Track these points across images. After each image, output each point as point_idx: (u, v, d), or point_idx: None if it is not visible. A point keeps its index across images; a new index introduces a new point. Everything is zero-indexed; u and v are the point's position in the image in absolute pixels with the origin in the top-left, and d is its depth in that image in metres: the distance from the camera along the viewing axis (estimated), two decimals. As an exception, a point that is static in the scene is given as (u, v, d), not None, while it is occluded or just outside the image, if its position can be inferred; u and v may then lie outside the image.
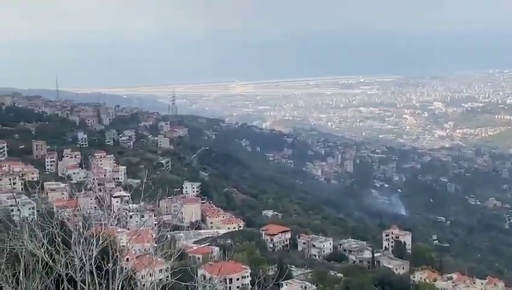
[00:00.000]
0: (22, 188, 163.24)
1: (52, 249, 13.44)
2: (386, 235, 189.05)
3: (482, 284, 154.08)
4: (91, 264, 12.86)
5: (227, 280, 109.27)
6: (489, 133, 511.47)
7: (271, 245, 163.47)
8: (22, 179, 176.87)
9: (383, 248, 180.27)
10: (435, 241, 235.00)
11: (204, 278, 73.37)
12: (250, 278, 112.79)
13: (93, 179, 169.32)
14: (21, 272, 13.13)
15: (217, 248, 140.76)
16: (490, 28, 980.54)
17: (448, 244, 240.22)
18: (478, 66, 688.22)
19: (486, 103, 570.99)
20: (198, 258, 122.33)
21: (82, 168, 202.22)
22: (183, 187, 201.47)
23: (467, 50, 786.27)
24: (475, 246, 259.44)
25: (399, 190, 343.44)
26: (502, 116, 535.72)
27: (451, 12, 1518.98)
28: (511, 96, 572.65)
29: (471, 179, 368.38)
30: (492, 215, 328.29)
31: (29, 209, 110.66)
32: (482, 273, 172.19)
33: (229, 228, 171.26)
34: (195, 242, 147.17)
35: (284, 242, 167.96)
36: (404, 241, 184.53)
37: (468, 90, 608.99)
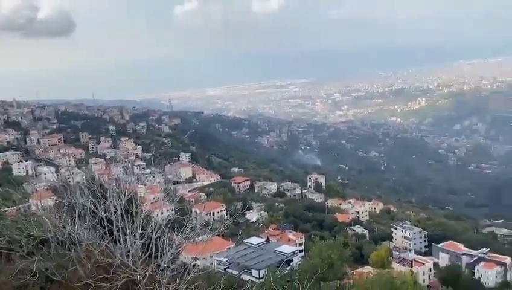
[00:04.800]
0: (74, 163, 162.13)
1: (96, 201, 13.34)
2: (309, 178, 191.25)
3: (369, 204, 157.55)
4: (121, 209, 12.80)
5: (211, 213, 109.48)
6: (369, 111, 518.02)
7: (238, 189, 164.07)
8: (74, 157, 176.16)
9: (308, 186, 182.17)
10: (339, 180, 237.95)
11: (196, 213, 73.33)
12: (225, 211, 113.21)
13: (121, 155, 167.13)
14: (76, 217, 13.03)
15: (203, 194, 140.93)
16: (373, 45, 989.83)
17: (347, 182, 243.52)
18: (361, 70, 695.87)
19: (366, 93, 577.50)
20: (192, 201, 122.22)
21: (113, 148, 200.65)
22: (179, 157, 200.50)
23: (354, 60, 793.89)
24: (364, 182, 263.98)
25: (316, 150, 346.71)
26: (376, 100, 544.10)
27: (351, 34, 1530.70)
28: (380, 88, 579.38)
29: (359, 140, 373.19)
30: (373, 162, 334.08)
31: (80, 176, 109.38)
32: (369, 198, 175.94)
33: (210, 181, 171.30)
34: (189, 191, 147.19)
35: (246, 187, 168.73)
36: (320, 181, 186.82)
37: (355, 85, 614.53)
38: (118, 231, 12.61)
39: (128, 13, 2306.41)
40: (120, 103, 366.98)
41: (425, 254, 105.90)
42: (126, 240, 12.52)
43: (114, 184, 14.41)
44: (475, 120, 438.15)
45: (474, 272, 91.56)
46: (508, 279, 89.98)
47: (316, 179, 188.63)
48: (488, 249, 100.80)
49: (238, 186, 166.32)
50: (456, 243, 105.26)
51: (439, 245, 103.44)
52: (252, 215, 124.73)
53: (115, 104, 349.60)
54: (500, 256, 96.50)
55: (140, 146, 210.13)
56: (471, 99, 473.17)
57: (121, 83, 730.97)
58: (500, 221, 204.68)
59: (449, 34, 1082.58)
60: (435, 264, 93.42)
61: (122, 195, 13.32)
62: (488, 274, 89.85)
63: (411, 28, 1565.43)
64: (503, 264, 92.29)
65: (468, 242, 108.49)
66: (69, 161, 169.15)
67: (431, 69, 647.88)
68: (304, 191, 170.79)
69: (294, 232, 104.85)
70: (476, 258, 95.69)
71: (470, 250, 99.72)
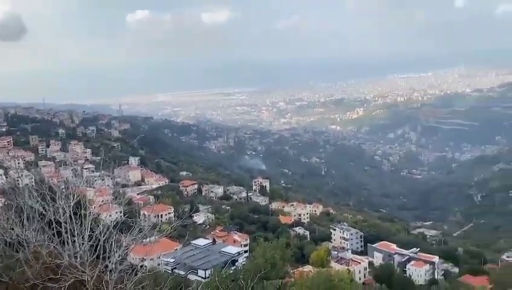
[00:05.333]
0: (24, 166, 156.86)
1: (44, 203, 12.99)
2: (255, 182, 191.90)
3: (310, 207, 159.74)
4: (70, 211, 12.53)
5: (159, 215, 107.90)
6: (311, 119, 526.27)
7: (185, 192, 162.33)
8: (24, 160, 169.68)
9: (253, 190, 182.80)
10: (282, 184, 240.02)
11: (144, 216, 72.13)
12: (173, 213, 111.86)
13: (70, 158, 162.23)
14: (24, 219, 12.65)
15: (152, 197, 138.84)
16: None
17: (290, 186, 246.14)
18: (304, 80, 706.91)
19: (309, 102, 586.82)
20: (140, 203, 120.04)
21: (62, 152, 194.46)
22: (128, 160, 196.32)
23: (298, 71, 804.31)
24: (305, 186, 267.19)
25: (261, 155, 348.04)
26: (318, 109, 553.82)
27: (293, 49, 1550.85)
28: (322, 98, 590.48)
29: (302, 147, 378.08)
30: (315, 167, 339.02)
31: (29, 179, 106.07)
32: (310, 201, 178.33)
33: (159, 184, 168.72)
34: (138, 194, 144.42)
35: (193, 190, 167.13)
36: (265, 185, 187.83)
37: (298, 94, 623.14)
38: (66, 232, 12.34)
39: (81, 20, 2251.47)
40: (70, 107, 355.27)
41: (361, 253, 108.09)
42: (74, 241, 12.26)
43: (63, 187, 14.04)
44: (407, 129, 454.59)
45: (405, 270, 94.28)
46: (436, 277, 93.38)
47: (260, 183, 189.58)
48: (418, 249, 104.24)
49: (186, 189, 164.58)
50: (389, 243, 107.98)
51: (374, 245, 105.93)
52: (199, 218, 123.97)
53: (65, 108, 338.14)
54: (429, 255, 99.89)
55: (89, 149, 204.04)
56: (404, 110, 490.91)
57: (71, 87, 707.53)
58: (429, 223, 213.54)
59: (385, 49, 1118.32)
60: (370, 263, 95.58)
61: (71, 197, 13.04)
62: (418, 272, 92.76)
63: (351, 42, 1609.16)
64: (432, 263, 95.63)
65: (400, 242, 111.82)
66: (18, 163, 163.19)
67: (368, 81, 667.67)
68: (249, 194, 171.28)
69: (240, 234, 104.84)
70: (407, 257, 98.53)
71: (402, 250, 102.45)
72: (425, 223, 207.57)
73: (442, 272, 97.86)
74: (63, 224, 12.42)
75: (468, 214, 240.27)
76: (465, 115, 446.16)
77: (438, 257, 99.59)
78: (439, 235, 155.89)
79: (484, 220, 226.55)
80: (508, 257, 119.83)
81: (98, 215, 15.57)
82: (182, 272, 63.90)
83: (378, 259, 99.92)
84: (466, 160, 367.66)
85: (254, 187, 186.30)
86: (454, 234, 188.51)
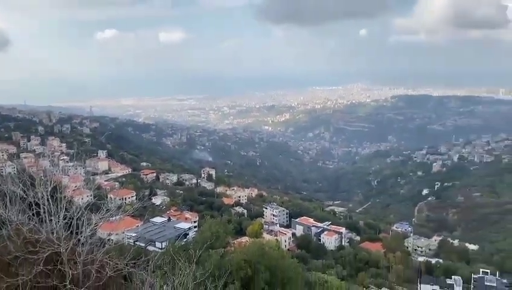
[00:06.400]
0: (7, 157, 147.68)
1: (25, 188, 12.41)
2: (203, 171, 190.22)
3: (247, 190, 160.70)
4: (47, 195, 12.05)
5: (123, 198, 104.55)
6: (249, 121, 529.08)
7: (146, 179, 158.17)
8: (7, 152, 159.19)
9: (202, 177, 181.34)
10: (226, 173, 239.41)
11: (111, 198, 69.77)
12: (135, 197, 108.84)
13: (48, 151, 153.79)
14: (7, 202, 12.05)
15: (117, 183, 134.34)
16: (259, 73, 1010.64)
17: (232, 174, 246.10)
18: (243, 90, 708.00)
19: (247, 107, 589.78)
20: (108, 188, 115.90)
21: (41, 145, 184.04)
22: (97, 153, 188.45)
23: (239, 82, 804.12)
24: (245, 174, 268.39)
25: (208, 150, 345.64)
26: (254, 113, 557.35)
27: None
28: (257, 104, 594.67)
29: (241, 143, 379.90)
30: (251, 159, 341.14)
31: (12, 168, 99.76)
32: (247, 186, 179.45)
33: (123, 173, 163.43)
34: (105, 181, 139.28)
35: (152, 178, 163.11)
36: (211, 173, 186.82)
37: (239, 101, 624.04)
38: (44, 212, 11.89)
39: (58, 35, 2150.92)
40: (48, 109, 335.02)
41: (286, 226, 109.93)
42: (51, 220, 11.84)
43: (42, 174, 13.45)
44: (323, 130, 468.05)
45: (320, 239, 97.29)
46: (343, 243, 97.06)
47: (208, 171, 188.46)
48: (330, 222, 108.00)
49: (146, 177, 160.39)
50: (308, 218, 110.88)
51: (296, 220, 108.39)
52: (157, 200, 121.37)
53: (44, 110, 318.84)
54: (338, 227, 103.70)
55: (65, 144, 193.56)
56: (320, 115, 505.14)
57: (49, 92, 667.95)
58: (338, 202, 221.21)
59: (306, 67, 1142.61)
60: (293, 234, 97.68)
61: (49, 183, 12.54)
62: (329, 240, 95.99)
63: (279, 61, 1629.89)
64: (340, 233, 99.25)
65: (316, 217, 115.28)
66: (2, 155, 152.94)
67: (293, 92, 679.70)
68: (198, 181, 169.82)
69: (190, 213, 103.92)
70: (322, 229, 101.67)
71: (317, 223, 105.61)
72: (335, 202, 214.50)
73: (348, 240, 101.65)
74: (41, 205, 11.95)
75: (367, 195, 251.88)
76: (366, 120, 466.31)
77: (344, 229, 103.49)
78: (345, 212, 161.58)
79: (379, 199, 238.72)
80: (396, 227, 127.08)
81: (72, 198, 15.05)
82: (142, 244, 62.49)
83: (299, 231, 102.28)
84: (366, 154, 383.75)
85: (202, 175, 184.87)
86: (357, 211, 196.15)
